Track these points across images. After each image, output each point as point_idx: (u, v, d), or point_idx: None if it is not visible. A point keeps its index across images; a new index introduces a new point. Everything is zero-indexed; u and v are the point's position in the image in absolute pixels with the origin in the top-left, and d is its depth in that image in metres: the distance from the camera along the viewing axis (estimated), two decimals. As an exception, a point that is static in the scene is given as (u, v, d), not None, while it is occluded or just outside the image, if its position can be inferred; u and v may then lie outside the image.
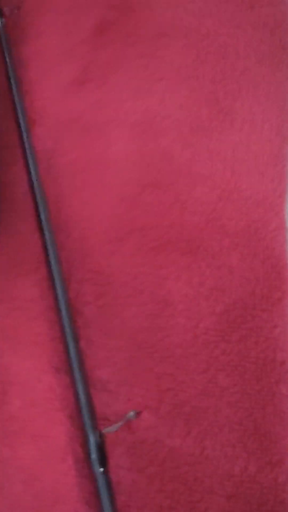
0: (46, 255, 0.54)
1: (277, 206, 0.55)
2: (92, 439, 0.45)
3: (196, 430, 0.47)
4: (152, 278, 0.53)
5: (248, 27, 0.64)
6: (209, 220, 0.55)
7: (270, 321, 0.50)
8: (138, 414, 0.47)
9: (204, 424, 0.47)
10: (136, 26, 0.68)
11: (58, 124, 0.63)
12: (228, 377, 0.48)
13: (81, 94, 0.64)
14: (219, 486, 0.45)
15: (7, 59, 0.65)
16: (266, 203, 0.55)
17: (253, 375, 0.48)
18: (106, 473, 0.44)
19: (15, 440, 0.48)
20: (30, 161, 0.59)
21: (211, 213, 0.56)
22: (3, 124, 0.63)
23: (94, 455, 0.45)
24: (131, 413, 0.47)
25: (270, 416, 0.47)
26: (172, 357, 0.50)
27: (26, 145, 0.60)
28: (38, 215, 0.56)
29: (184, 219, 0.56)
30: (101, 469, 0.44)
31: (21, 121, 0.61)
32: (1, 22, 0.66)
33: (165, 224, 0.56)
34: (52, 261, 0.53)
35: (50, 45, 0.68)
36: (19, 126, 0.62)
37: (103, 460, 0.44)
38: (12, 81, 0.64)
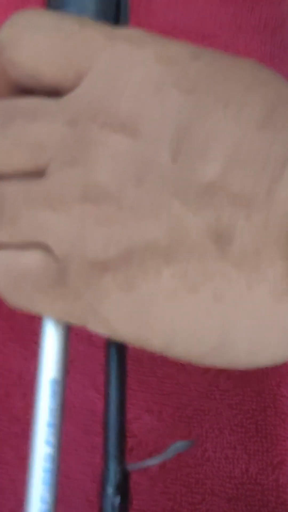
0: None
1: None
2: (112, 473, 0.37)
3: (197, 432, 0.47)
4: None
5: (249, 28, 0.64)
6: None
7: (271, 323, 0.50)
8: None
9: (205, 426, 0.47)
10: (138, 28, 0.68)
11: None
12: (229, 379, 0.49)
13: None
14: (220, 487, 0.45)
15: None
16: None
17: (254, 377, 0.49)
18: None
19: (18, 442, 0.48)
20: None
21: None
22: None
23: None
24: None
25: (271, 418, 0.47)
26: (174, 358, 0.50)
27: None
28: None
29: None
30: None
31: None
32: None
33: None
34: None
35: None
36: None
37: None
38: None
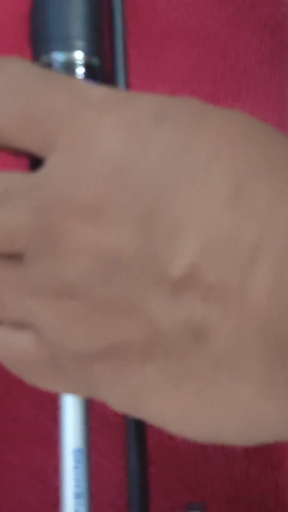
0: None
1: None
2: None
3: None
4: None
5: (248, 28, 0.64)
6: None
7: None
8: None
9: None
10: (140, 27, 0.68)
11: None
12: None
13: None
14: (220, 488, 0.45)
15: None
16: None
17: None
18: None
19: (20, 441, 0.48)
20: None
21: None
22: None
23: None
24: None
25: (270, 418, 0.47)
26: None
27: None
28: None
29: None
30: None
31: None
32: None
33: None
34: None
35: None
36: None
37: None
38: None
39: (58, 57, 0.29)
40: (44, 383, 0.26)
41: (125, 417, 0.31)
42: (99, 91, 0.25)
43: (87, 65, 0.29)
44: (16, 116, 0.24)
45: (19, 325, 0.26)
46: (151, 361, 0.24)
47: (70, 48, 0.28)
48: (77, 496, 0.28)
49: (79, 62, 0.29)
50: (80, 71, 0.29)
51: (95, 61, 0.30)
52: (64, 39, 0.29)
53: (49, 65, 0.29)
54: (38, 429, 0.49)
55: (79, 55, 0.29)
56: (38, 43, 0.29)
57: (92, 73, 0.30)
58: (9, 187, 0.24)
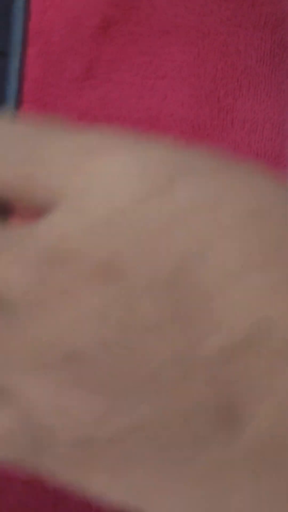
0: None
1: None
2: None
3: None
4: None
5: (249, 26, 0.64)
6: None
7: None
8: None
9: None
10: (139, 24, 0.68)
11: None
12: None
13: (84, 92, 0.64)
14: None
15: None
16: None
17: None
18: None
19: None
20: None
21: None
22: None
23: None
24: None
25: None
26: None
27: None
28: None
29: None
30: None
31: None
32: None
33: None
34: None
35: (53, 43, 0.68)
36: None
37: None
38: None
39: None
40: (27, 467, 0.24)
41: None
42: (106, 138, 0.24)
43: None
44: (20, 167, 0.23)
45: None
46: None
47: None
48: None
49: None
50: None
51: None
52: None
53: None
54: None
55: None
56: None
57: None
58: (9, 233, 0.22)
